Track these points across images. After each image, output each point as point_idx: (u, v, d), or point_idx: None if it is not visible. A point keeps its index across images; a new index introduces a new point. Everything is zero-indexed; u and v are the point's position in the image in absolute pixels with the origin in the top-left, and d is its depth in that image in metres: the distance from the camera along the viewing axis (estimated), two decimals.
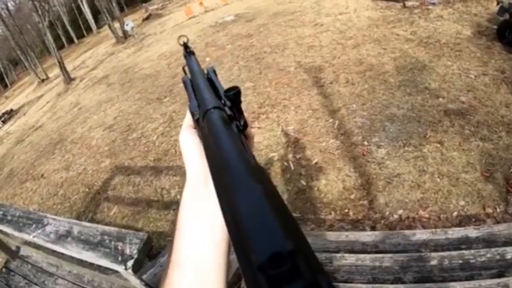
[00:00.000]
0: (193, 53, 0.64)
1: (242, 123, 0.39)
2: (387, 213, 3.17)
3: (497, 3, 5.57)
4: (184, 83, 0.54)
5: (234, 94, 0.38)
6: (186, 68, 0.59)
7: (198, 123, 0.41)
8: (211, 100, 0.40)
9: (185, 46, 0.65)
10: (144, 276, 1.31)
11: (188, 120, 0.46)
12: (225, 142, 0.32)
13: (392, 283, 2.22)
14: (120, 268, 1.30)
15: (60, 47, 32.47)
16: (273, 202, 0.23)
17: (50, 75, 20.61)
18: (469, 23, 6.21)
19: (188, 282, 0.36)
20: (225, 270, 0.37)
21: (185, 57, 0.63)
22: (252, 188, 0.24)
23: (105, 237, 1.47)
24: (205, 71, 0.53)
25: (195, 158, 0.40)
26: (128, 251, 1.34)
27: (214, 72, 0.51)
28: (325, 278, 0.18)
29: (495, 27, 5.58)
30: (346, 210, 3.33)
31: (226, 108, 0.38)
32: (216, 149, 0.31)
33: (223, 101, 0.40)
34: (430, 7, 7.34)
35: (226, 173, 0.27)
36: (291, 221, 0.21)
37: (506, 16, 5.27)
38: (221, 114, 0.37)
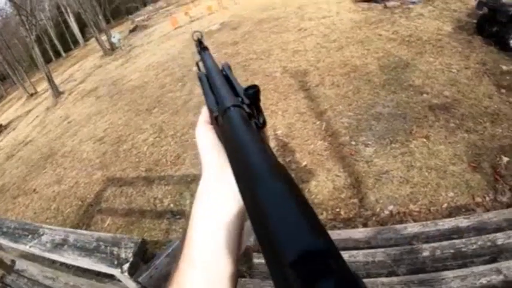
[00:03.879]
0: (207, 48, 0.63)
1: (261, 121, 0.39)
2: (378, 209, 3.21)
3: None
4: (200, 79, 0.53)
5: (254, 92, 0.39)
6: (201, 64, 0.59)
7: (216, 120, 0.41)
8: (231, 98, 0.40)
9: (199, 42, 0.65)
10: (139, 279, 1.33)
11: (204, 115, 0.45)
12: (246, 140, 0.32)
13: (386, 276, 2.23)
14: (116, 272, 1.32)
15: (48, 60, 32.16)
16: (297, 198, 0.23)
17: (39, 89, 20.39)
18: (449, 19, 6.37)
19: (199, 277, 0.36)
20: (236, 265, 0.37)
21: (199, 53, 0.63)
22: (275, 184, 0.24)
23: (101, 243, 1.49)
24: (220, 67, 0.52)
25: (211, 153, 0.40)
26: (123, 255, 1.36)
27: (230, 68, 0.51)
28: (354, 275, 0.18)
29: (475, 21, 5.73)
30: (338, 210, 3.36)
31: (245, 106, 0.39)
32: (238, 146, 0.32)
33: (241, 99, 0.40)
34: (410, 6, 7.51)
35: (250, 170, 0.27)
36: (316, 217, 0.22)
37: (485, 10, 5.40)
38: (241, 112, 0.37)
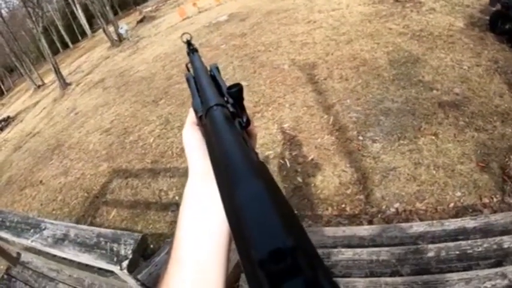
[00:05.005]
0: (196, 50, 0.63)
1: (245, 120, 0.39)
2: (384, 207, 3.18)
3: None
4: (187, 80, 0.54)
5: (237, 91, 0.38)
6: (190, 65, 0.59)
7: (201, 120, 0.41)
8: (214, 97, 0.40)
9: (188, 43, 0.65)
10: (139, 276, 1.32)
11: (191, 117, 0.45)
12: (227, 139, 0.32)
13: (390, 276, 2.22)
14: (115, 269, 1.32)
15: (55, 52, 32.40)
16: (274, 197, 0.23)
17: (46, 81, 20.58)
18: (461, 14, 6.23)
19: (187, 278, 0.36)
20: (225, 267, 0.37)
21: (188, 54, 0.63)
22: (252, 183, 0.24)
23: (101, 239, 1.48)
24: (209, 68, 0.53)
25: (197, 155, 0.40)
26: (122, 252, 1.35)
27: (217, 69, 0.51)
28: (326, 274, 0.18)
29: (487, 17, 5.59)
30: (343, 206, 3.34)
31: (229, 105, 0.38)
32: (218, 145, 0.32)
33: (225, 98, 0.40)
34: (422, 0, 7.35)
35: (228, 168, 0.27)
36: (292, 216, 0.21)
37: (498, 6, 5.28)
38: (223, 112, 0.37)
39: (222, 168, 0.29)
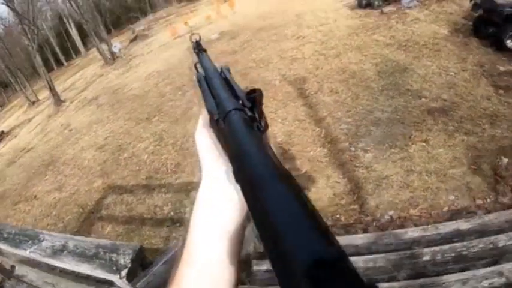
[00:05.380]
0: (205, 50, 0.63)
1: (263, 124, 0.38)
2: (378, 215, 3.19)
3: (471, 0, 5.73)
4: (199, 80, 0.53)
5: (257, 96, 0.39)
6: (199, 66, 0.59)
7: (217, 124, 0.40)
8: (231, 101, 0.40)
9: (197, 44, 0.65)
10: (138, 285, 1.33)
11: (204, 119, 0.45)
12: (249, 144, 0.31)
13: (387, 282, 2.21)
14: (114, 278, 1.32)
15: (50, 69, 32.34)
16: (305, 204, 0.23)
17: (40, 97, 20.51)
18: (445, 22, 6.39)
19: (199, 279, 0.36)
20: (236, 268, 0.37)
21: (197, 54, 0.63)
22: (281, 189, 0.24)
23: (100, 249, 1.49)
24: (219, 70, 0.52)
25: (211, 157, 0.40)
26: (121, 261, 1.36)
27: (229, 71, 0.51)
28: (366, 283, 0.18)
29: (471, 23, 5.74)
30: (338, 216, 3.34)
31: (246, 110, 0.38)
32: (241, 150, 0.31)
33: (241, 102, 0.40)
34: (407, 11, 7.55)
35: (254, 174, 0.27)
36: (325, 224, 0.21)
37: (480, 11, 5.43)
38: (242, 116, 0.36)
39: (247, 174, 0.28)
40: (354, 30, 7.74)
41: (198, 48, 0.64)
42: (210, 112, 0.42)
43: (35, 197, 6.52)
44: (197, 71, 0.57)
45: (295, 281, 0.18)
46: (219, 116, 0.39)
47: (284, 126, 5.11)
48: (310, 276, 0.17)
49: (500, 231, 2.26)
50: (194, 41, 0.66)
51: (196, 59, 0.63)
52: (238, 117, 0.36)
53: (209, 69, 0.55)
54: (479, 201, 2.97)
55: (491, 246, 2.09)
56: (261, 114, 0.39)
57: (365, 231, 3.08)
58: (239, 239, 0.37)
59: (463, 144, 3.58)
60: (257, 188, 0.25)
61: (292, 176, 0.26)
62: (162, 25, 27.82)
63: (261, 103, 0.39)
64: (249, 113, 0.38)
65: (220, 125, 0.38)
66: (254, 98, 0.39)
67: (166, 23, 27.01)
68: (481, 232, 2.34)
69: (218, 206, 0.37)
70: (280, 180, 0.25)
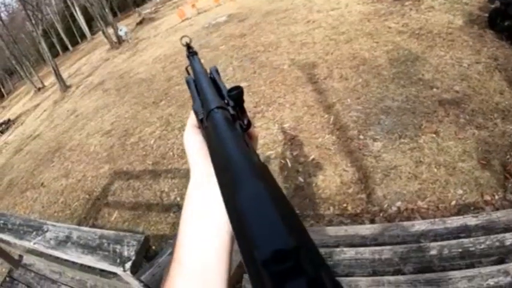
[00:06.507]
0: (196, 53, 0.64)
1: (245, 122, 0.39)
2: (385, 205, 3.17)
3: None
4: (188, 83, 0.54)
5: (237, 94, 0.39)
6: (189, 68, 0.60)
7: (202, 123, 0.41)
8: (215, 100, 0.40)
9: (188, 46, 0.66)
10: (142, 277, 1.32)
11: (192, 120, 0.46)
12: (228, 141, 0.32)
13: (392, 275, 2.22)
14: (118, 270, 1.32)
15: (55, 54, 32.47)
16: (275, 198, 0.23)
17: (46, 83, 20.64)
18: (460, 12, 6.20)
19: (190, 280, 0.36)
20: (227, 268, 0.37)
21: (188, 57, 0.64)
22: (254, 185, 0.24)
23: (104, 240, 1.49)
24: (208, 71, 0.53)
25: (199, 157, 0.41)
26: (125, 253, 1.35)
27: (217, 71, 0.51)
28: (328, 274, 0.18)
29: (486, 15, 5.57)
30: (345, 205, 3.33)
31: (230, 108, 0.39)
32: (219, 147, 0.32)
33: (226, 101, 0.40)
34: None
35: (229, 170, 0.28)
36: (293, 216, 0.22)
37: (497, 3, 5.26)
38: (224, 114, 0.37)
39: (223, 170, 0.29)
40: (366, 16, 7.55)
41: (189, 51, 0.65)
42: (195, 112, 0.44)
43: (42, 184, 6.60)
44: (188, 74, 0.58)
45: (257, 272, 0.18)
46: (203, 115, 0.40)
47: (292, 112, 5.06)
48: (268, 267, 0.18)
49: (507, 229, 2.24)
50: (184, 43, 0.66)
51: (192, 58, 0.63)
52: (220, 115, 0.37)
53: (198, 71, 0.55)
54: (487, 197, 2.92)
55: (497, 244, 2.07)
56: (243, 111, 0.40)
57: (372, 221, 3.08)
58: (230, 237, 0.37)
59: (473, 138, 3.51)
60: (231, 185, 0.26)
61: (269, 172, 0.27)
62: (169, 8, 27.57)
63: (242, 100, 0.39)
64: (232, 111, 0.38)
65: (204, 124, 0.40)
66: (235, 95, 0.39)
67: (174, 6, 26.74)
68: (488, 229, 2.33)
69: (207, 204, 0.38)
70: (255, 177, 0.25)
